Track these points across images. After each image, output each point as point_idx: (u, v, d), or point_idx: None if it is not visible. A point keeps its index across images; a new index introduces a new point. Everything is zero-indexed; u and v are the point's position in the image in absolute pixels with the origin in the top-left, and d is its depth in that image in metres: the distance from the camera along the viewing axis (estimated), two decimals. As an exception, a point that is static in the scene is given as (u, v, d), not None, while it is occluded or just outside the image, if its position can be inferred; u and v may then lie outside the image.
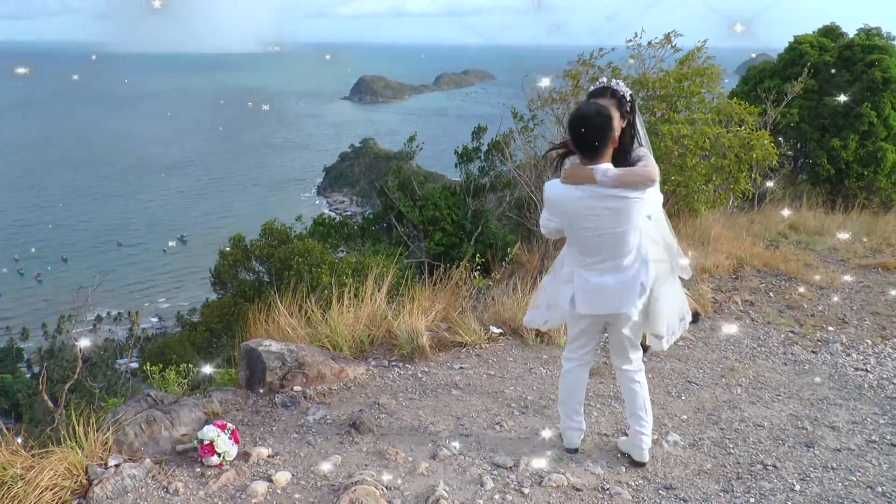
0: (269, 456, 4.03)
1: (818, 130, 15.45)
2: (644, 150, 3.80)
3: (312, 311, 5.89)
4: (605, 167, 3.52)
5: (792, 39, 17.11)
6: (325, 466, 3.90)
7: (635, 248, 3.69)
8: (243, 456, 3.99)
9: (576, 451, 4.18)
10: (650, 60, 10.32)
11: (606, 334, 4.10)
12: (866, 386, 5.46)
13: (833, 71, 15.59)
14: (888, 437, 4.62)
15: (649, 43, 10.31)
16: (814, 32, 17.22)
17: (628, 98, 3.81)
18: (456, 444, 4.18)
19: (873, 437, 4.61)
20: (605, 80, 3.87)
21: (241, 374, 5.12)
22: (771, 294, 7.77)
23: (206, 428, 3.94)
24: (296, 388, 4.89)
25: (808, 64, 14.92)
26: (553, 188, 3.67)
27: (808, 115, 15.54)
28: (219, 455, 3.87)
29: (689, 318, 4.21)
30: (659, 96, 10.08)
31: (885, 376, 5.67)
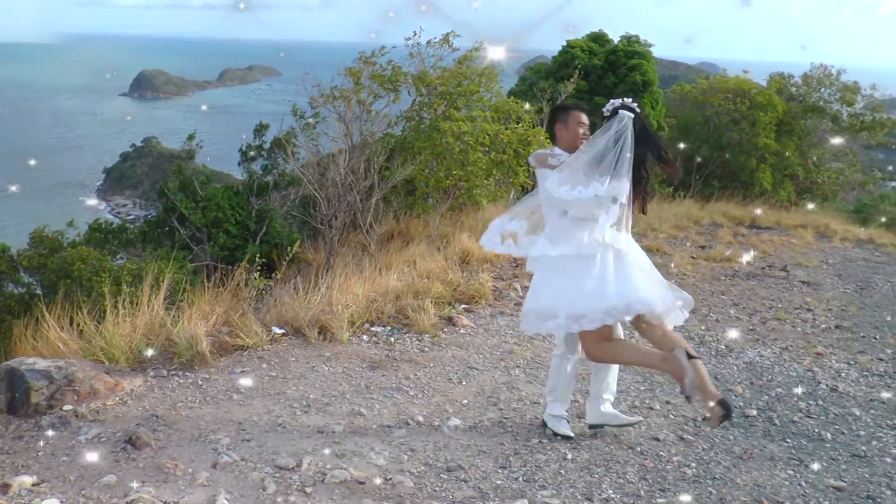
0: (33, 484, 3.71)
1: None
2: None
3: (86, 322, 5.52)
4: None
5: (565, 43, 18.39)
6: (99, 488, 3.67)
7: None
8: (2, 488, 3.66)
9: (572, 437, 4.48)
10: (430, 59, 10.68)
11: None
12: (629, 358, 5.99)
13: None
14: (647, 402, 5.15)
15: (428, 42, 10.66)
16: (584, 38, 18.62)
17: (605, 112, 4.38)
18: (237, 451, 4.09)
19: (635, 403, 5.12)
20: (618, 102, 4.38)
21: (1, 398, 4.69)
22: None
23: (-45, 461, 3.58)
24: (66, 406, 4.56)
25: (579, 66, 16.11)
26: None
27: (580, 113, 16.80)
28: (-29, 490, 3.53)
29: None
30: (439, 93, 10.44)
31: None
